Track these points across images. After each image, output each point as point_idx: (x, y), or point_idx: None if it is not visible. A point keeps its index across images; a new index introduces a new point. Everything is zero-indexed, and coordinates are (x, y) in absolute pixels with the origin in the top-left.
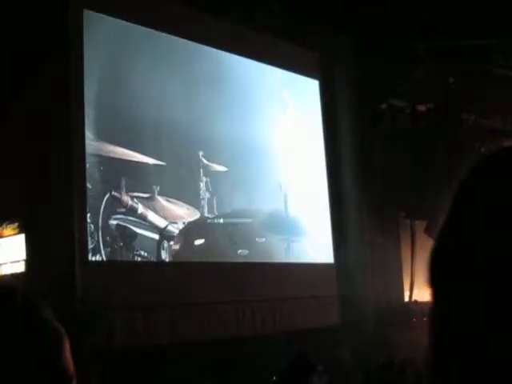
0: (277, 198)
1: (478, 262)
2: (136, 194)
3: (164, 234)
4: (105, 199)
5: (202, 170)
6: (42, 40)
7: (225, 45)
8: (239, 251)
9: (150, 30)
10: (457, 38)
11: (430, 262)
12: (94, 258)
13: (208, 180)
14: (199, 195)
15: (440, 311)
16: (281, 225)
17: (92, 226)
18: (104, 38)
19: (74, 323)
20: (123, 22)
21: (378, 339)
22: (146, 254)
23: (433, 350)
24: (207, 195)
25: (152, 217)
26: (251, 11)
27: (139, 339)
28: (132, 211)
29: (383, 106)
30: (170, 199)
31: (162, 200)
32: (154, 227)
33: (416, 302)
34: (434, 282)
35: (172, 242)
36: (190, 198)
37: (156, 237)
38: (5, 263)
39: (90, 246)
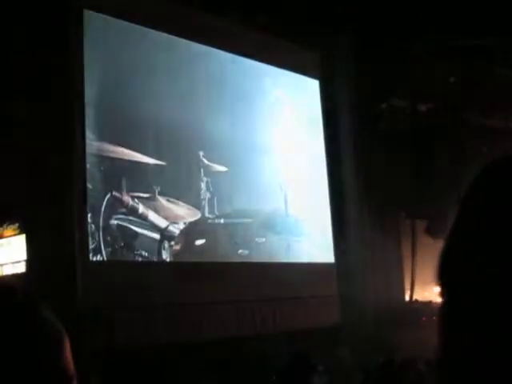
0: (277, 197)
1: (486, 264)
2: (137, 194)
3: (165, 234)
4: (105, 199)
5: (202, 170)
6: (42, 40)
7: (225, 45)
8: (239, 251)
9: (150, 29)
10: (458, 37)
11: (440, 262)
12: (94, 258)
13: (208, 180)
14: (200, 195)
15: (449, 311)
16: (281, 225)
17: (93, 226)
18: (104, 38)
19: (75, 323)
20: (123, 21)
21: (379, 339)
22: (146, 254)
23: (442, 349)
24: (208, 195)
25: (153, 217)
26: (251, 11)
27: (140, 339)
28: (133, 211)
29: (383, 105)
30: (171, 199)
31: (162, 200)
32: (154, 227)
33: (417, 301)
34: (443, 282)
35: (173, 242)
36: (191, 198)
37: (157, 237)
38: (6, 264)
39: (91, 246)
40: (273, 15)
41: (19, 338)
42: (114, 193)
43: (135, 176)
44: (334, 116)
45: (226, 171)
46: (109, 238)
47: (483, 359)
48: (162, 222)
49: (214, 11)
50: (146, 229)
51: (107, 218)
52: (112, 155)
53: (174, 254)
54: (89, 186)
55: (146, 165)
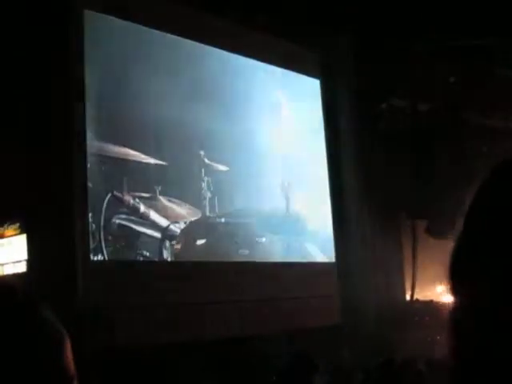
0: (278, 197)
1: (497, 264)
2: (138, 193)
3: (166, 233)
4: (106, 199)
5: (203, 170)
6: (43, 40)
7: (226, 44)
8: (240, 251)
9: (151, 29)
10: (458, 37)
11: (450, 263)
12: (95, 258)
13: (209, 179)
14: (201, 195)
15: (460, 312)
16: (282, 224)
17: (94, 225)
18: (105, 38)
19: (76, 323)
20: (124, 21)
21: (379, 338)
22: (147, 254)
23: (453, 350)
24: (208, 195)
25: (154, 216)
26: (251, 11)
27: (140, 339)
28: (134, 211)
29: (383, 105)
30: (172, 199)
31: (163, 200)
32: (155, 227)
33: (417, 301)
34: (454, 283)
35: (174, 242)
36: (192, 197)
37: (158, 236)
38: (7, 263)
39: (92, 246)
40: (273, 15)
41: (19, 337)
42: (114, 192)
43: (136, 175)
44: (335, 116)
45: (226, 171)
46: (110, 238)
47: (497, 361)
48: (162, 222)
49: (214, 11)
50: (146, 228)
51: (108, 217)
52: (113, 155)
53: (175, 254)
54: (89, 185)
55: (147, 164)
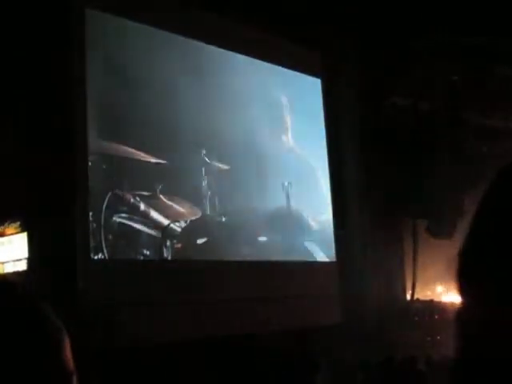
0: (279, 196)
1: (504, 265)
2: (138, 192)
3: (166, 232)
4: (107, 198)
5: (203, 169)
6: (44, 39)
7: (227, 43)
8: (241, 250)
9: (152, 28)
10: (459, 36)
11: (458, 264)
12: (96, 257)
13: (210, 178)
14: (201, 194)
15: (466, 312)
16: (282, 223)
17: (94, 224)
18: (106, 37)
19: (76, 321)
20: (126, 20)
21: (380, 338)
22: (148, 253)
23: (458, 349)
24: (209, 194)
25: (154, 215)
26: (253, 11)
27: (141, 337)
28: (134, 210)
29: (384, 105)
30: (172, 197)
31: (164, 198)
32: (156, 226)
33: (418, 300)
34: (461, 284)
35: (174, 241)
36: (192, 196)
37: (158, 235)
38: (7, 262)
39: (92, 245)
40: (275, 14)
41: (19, 334)
42: (115, 191)
43: (136, 174)
44: (336, 115)
45: (227, 169)
46: (110, 237)
47: (502, 363)
48: (163, 221)
49: (215, 10)
50: (147, 227)
51: (108, 216)
52: (113, 153)
53: (176, 253)
54: (90, 184)
55: (148, 163)
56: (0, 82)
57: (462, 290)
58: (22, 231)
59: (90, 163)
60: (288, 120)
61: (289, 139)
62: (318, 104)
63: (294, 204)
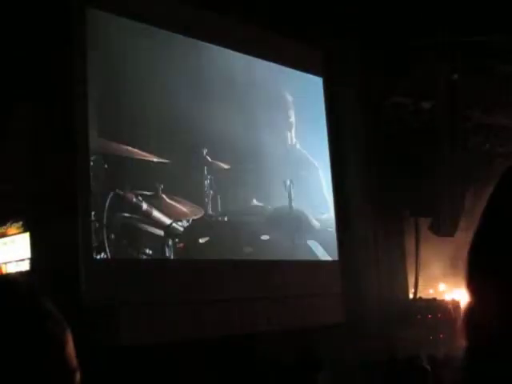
0: (281, 195)
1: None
2: (140, 191)
3: (168, 231)
4: (109, 197)
5: (205, 168)
6: (45, 39)
7: (228, 42)
8: (243, 249)
9: (154, 28)
10: (460, 34)
11: (467, 261)
12: (98, 256)
13: (212, 177)
14: (203, 193)
15: (476, 310)
16: (285, 222)
17: (96, 224)
18: (108, 37)
19: (79, 321)
20: (127, 20)
21: (383, 336)
22: (150, 252)
23: (467, 346)
24: (211, 193)
25: (156, 215)
26: (254, 9)
27: (144, 337)
28: (136, 209)
29: (386, 104)
30: (174, 197)
31: (166, 198)
32: (158, 225)
33: (421, 299)
34: (471, 281)
35: (177, 240)
36: (194, 195)
37: (161, 234)
38: (10, 262)
39: (95, 244)
40: (276, 14)
41: (22, 331)
42: (117, 191)
43: (138, 174)
44: (338, 114)
45: (229, 169)
46: (112, 236)
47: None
48: (165, 220)
49: (216, 9)
50: (149, 226)
51: (111, 215)
52: (115, 153)
53: (178, 252)
54: (92, 183)
55: (150, 162)
56: (0, 81)
57: (472, 287)
58: (25, 231)
59: (91, 163)
60: (290, 118)
61: (291, 137)
62: (319, 102)
63: (296, 203)
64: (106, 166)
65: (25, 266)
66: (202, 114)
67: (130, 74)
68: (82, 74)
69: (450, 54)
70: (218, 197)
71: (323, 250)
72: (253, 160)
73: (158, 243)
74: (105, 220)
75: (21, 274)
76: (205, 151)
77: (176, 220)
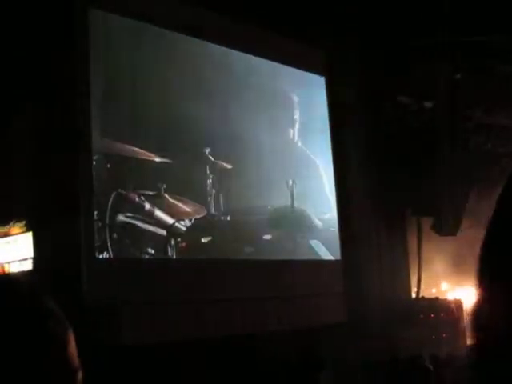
0: (283, 195)
1: None
2: (143, 191)
3: (171, 231)
4: (112, 197)
5: (208, 168)
6: (48, 39)
7: (230, 43)
8: (246, 248)
9: (156, 28)
10: (462, 34)
11: (479, 260)
12: (101, 256)
13: (214, 177)
14: (206, 192)
15: (486, 309)
16: (287, 222)
17: (99, 223)
18: (110, 37)
19: (81, 320)
20: (129, 20)
21: (385, 336)
22: (153, 252)
23: (477, 344)
24: (214, 192)
25: (159, 214)
26: (256, 9)
27: (146, 336)
28: (139, 209)
29: (389, 104)
30: (177, 196)
31: (168, 197)
32: (160, 224)
33: (423, 298)
34: (483, 277)
35: (179, 239)
36: (197, 195)
37: (163, 234)
38: (13, 261)
39: (97, 244)
40: (278, 14)
41: (23, 330)
42: (119, 190)
43: (141, 173)
44: (341, 113)
45: (231, 168)
46: (115, 236)
47: None
48: (168, 220)
49: (217, 9)
50: (152, 226)
51: (113, 215)
52: (118, 153)
53: (181, 252)
54: (95, 183)
55: (152, 162)
56: (3, 81)
57: (483, 286)
58: (27, 231)
59: (94, 163)
60: (293, 117)
61: (294, 137)
62: (322, 102)
63: (298, 202)
64: (108, 165)
65: (28, 266)
66: (204, 113)
67: (133, 73)
68: (85, 74)
69: (451, 53)
70: (221, 196)
71: (325, 249)
72: (255, 159)
73: (161, 243)
74: (107, 220)
75: (23, 273)
76: (207, 151)
77: (178, 219)
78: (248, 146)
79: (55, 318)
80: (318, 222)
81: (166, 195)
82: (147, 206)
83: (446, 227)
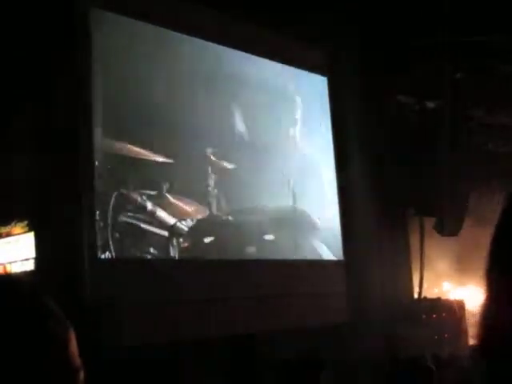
0: (285, 194)
1: None
2: (144, 191)
3: (173, 231)
4: (113, 197)
5: (210, 168)
6: (48, 38)
7: (232, 42)
8: (247, 248)
9: (158, 28)
10: (463, 34)
11: (488, 259)
12: (103, 256)
13: (216, 177)
14: (208, 192)
15: (493, 308)
16: (289, 222)
17: (101, 223)
18: (112, 37)
19: (83, 321)
20: (132, 20)
21: (387, 336)
22: (155, 252)
23: (484, 343)
24: (216, 192)
25: (161, 214)
26: (257, 9)
27: (148, 336)
28: (141, 209)
29: (390, 103)
30: (179, 196)
31: (170, 197)
32: (162, 224)
33: (425, 298)
34: (489, 280)
35: (181, 239)
36: (199, 195)
37: (165, 234)
38: (15, 261)
39: (99, 244)
40: (280, 13)
41: (24, 330)
42: (121, 190)
43: (143, 173)
44: (342, 113)
45: (233, 168)
46: (117, 236)
47: None
48: (170, 220)
49: (218, 9)
50: (154, 226)
51: (115, 215)
52: (120, 153)
53: (183, 252)
54: (96, 183)
55: (154, 162)
56: (3, 81)
57: (491, 285)
58: (29, 231)
59: (96, 162)
60: (295, 117)
61: (296, 137)
62: (324, 102)
63: (300, 202)
64: (109, 165)
65: (29, 266)
66: (207, 113)
67: (135, 73)
68: (86, 73)
69: (452, 53)
70: (223, 196)
71: (327, 249)
72: (257, 159)
73: (163, 243)
74: (109, 219)
75: (24, 273)
76: (209, 150)
77: (180, 219)
78: (250, 145)
79: (55, 318)
80: (319, 222)
81: (168, 195)
82: (149, 205)
83: (448, 227)
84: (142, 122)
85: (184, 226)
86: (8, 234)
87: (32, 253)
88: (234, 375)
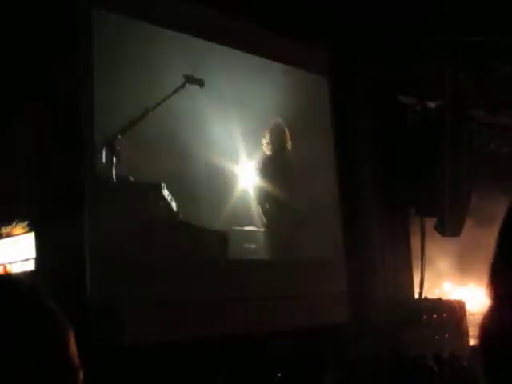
0: (286, 194)
1: None
2: None
3: None
4: None
5: (209, 168)
6: (49, 37)
7: (232, 43)
8: (245, 247)
9: (159, 28)
10: (465, 34)
11: (491, 265)
12: (103, 256)
13: (213, 178)
14: (205, 193)
15: (496, 314)
16: (289, 222)
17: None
18: (113, 37)
19: (85, 321)
20: (134, 20)
21: (388, 336)
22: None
23: (486, 346)
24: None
25: None
26: (257, 9)
27: (148, 337)
28: None
29: (392, 103)
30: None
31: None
32: None
33: (426, 299)
34: (492, 285)
35: None
36: (196, 196)
37: None
38: (15, 262)
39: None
40: (280, 14)
41: (24, 331)
42: None
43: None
44: (344, 114)
45: (230, 174)
46: None
47: None
48: None
49: (219, 8)
50: None
51: None
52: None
53: None
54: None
55: (153, 162)
56: (3, 81)
57: (495, 290)
58: (30, 231)
59: (96, 162)
60: (295, 118)
61: (296, 138)
62: (325, 103)
63: (301, 202)
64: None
65: (30, 266)
66: (206, 114)
67: (136, 73)
68: (86, 73)
69: (452, 53)
70: (219, 196)
71: (328, 249)
72: (255, 163)
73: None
74: None
75: (24, 274)
76: (209, 150)
77: None
78: (250, 145)
79: (55, 319)
80: (321, 222)
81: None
82: None
83: (449, 227)
84: (142, 123)
85: None
86: (8, 235)
87: (32, 253)
88: (233, 375)
